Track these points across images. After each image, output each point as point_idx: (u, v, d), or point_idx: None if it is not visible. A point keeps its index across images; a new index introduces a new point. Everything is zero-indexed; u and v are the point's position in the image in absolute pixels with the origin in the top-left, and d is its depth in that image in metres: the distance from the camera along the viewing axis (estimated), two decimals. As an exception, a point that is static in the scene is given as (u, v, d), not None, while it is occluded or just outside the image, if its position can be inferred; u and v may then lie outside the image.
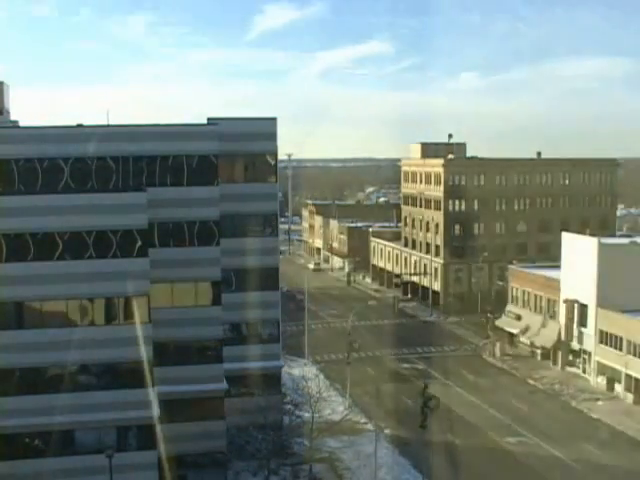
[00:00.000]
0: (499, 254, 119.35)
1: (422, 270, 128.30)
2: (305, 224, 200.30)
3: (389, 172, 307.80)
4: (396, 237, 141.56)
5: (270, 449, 55.51)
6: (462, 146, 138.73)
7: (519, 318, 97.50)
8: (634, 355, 76.15)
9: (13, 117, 66.96)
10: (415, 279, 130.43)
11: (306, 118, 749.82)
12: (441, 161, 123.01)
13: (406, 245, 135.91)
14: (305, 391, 61.35)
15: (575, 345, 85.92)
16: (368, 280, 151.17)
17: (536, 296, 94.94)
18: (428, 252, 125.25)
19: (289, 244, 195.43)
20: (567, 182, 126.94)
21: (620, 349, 78.11)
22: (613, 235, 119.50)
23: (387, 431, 67.70)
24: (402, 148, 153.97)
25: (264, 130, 60.14)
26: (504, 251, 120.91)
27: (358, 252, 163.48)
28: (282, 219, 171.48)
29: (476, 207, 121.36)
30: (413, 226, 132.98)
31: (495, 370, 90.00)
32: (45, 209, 47.67)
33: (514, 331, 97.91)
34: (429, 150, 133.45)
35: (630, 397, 76.40)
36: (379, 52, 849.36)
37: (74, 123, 54.66)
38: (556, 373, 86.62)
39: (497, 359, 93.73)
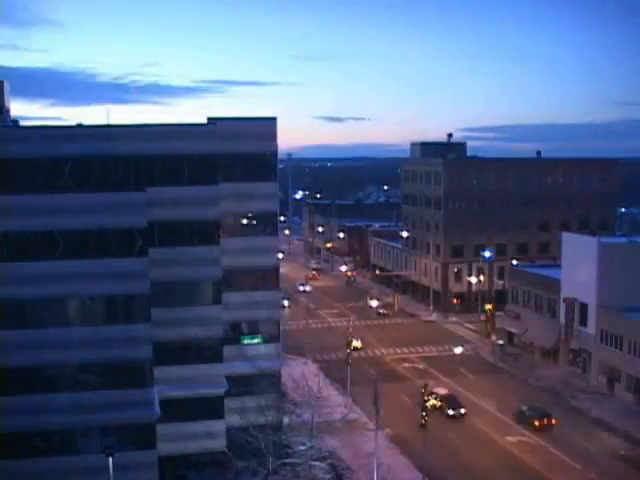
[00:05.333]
0: (499, 253, 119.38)
1: (422, 269, 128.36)
2: (305, 224, 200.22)
3: (390, 171, 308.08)
4: (396, 237, 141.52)
5: (270, 449, 55.45)
6: (462, 146, 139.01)
7: (519, 317, 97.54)
8: (634, 354, 76.16)
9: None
10: (415, 278, 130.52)
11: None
12: (441, 161, 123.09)
13: (406, 244, 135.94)
14: (305, 390, 61.29)
15: (575, 344, 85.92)
16: (368, 279, 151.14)
17: (536, 295, 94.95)
18: (428, 251, 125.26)
19: (289, 244, 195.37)
20: (567, 182, 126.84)
21: (620, 348, 78.13)
22: (613, 235, 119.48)
23: (387, 430, 67.75)
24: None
25: (264, 130, 60.06)
26: (504, 251, 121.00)
27: (358, 252, 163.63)
28: (282, 218, 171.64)
29: (476, 207, 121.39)
30: (413, 225, 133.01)
31: (495, 369, 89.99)
32: (45, 209, 47.67)
33: (514, 330, 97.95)
34: (429, 150, 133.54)
35: (630, 396, 76.42)
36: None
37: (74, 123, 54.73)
38: (556, 372, 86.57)
39: (497, 358, 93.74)
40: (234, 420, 56.34)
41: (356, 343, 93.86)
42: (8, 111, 59.59)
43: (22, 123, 61.49)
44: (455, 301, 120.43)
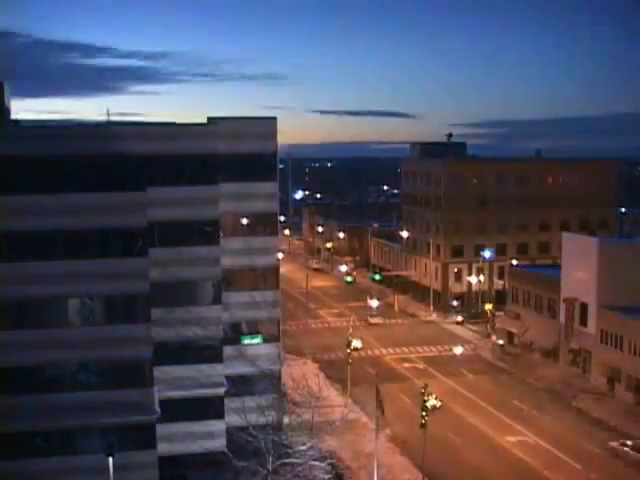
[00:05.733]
0: (499, 253, 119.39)
1: (422, 270, 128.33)
2: (305, 224, 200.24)
3: (390, 171, 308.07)
4: (396, 237, 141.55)
5: (270, 449, 55.42)
6: (462, 146, 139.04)
7: (519, 317, 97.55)
8: (634, 354, 76.15)
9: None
10: (415, 278, 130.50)
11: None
12: (441, 161, 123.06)
13: (406, 245, 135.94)
14: (305, 390, 61.26)
15: (575, 344, 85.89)
16: (368, 280, 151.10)
17: (536, 295, 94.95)
18: (428, 252, 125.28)
19: (289, 244, 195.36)
20: (567, 182, 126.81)
21: (620, 348, 78.10)
22: (613, 235, 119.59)
23: (387, 430, 67.73)
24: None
25: (264, 130, 60.00)
26: (504, 251, 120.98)
27: (358, 252, 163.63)
28: (282, 218, 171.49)
29: (476, 207, 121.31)
30: (413, 226, 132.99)
31: (495, 369, 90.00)
32: (45, 209, 47.60)
33: (514, 330, 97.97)
34: (429, 150, 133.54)
35: (630, 396, 76.41)
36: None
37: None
38: (556, 372, 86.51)
39: (497, 358, 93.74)
40: (234, 420, 56.32)
41: (356, 343, 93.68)
42: (8, 111, 59.57)
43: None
44: (455, 304, 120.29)
